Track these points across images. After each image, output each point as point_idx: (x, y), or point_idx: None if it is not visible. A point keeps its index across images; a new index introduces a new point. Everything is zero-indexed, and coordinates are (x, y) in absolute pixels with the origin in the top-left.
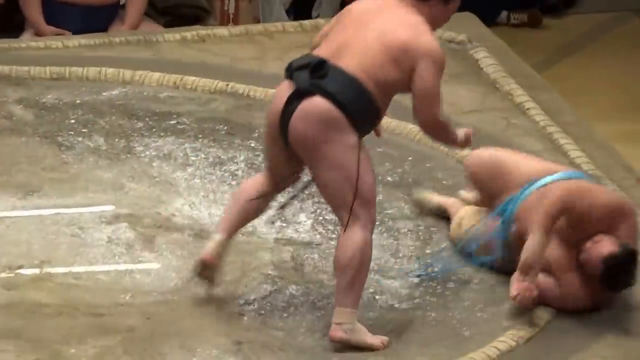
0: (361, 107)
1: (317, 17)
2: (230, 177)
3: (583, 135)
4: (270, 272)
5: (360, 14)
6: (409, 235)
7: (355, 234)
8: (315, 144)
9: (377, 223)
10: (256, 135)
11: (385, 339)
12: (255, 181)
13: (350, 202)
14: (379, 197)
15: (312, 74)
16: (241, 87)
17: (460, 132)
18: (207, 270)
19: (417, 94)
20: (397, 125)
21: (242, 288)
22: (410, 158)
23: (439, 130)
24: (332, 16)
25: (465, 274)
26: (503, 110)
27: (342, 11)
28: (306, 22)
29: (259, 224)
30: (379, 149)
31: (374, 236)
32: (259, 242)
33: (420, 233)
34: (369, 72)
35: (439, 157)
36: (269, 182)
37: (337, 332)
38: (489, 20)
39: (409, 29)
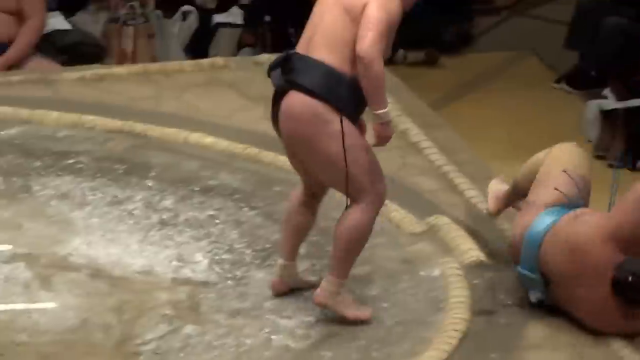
0: (335, 89)
1: (215, 55)
2: (128, 216)
3: (479, 174)
4: (167, 311)
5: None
6: (305, 274)
7: (353, 215)
8: (303, 138)
9: (273, 263)
10: (153, 174)
11: (367, 314)
12: (295, 196)
13: (357, 187)
14: (276, 236)
15: (282, 70)
16: (138, 126)
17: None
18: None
19: (363, 22)
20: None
21: (138, 328)
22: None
23: (375, 64)
24: (229, 54)
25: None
26: (398, 149)
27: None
28: (203, 61)
29: (155, 263)
30: (275, 188)
31: (270, 276)
32: (156, 282)
33: (315, 271)
34: (336, 48)
35: (334, 195)
36: (306, 191)
37: (321, 297)
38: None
39: None
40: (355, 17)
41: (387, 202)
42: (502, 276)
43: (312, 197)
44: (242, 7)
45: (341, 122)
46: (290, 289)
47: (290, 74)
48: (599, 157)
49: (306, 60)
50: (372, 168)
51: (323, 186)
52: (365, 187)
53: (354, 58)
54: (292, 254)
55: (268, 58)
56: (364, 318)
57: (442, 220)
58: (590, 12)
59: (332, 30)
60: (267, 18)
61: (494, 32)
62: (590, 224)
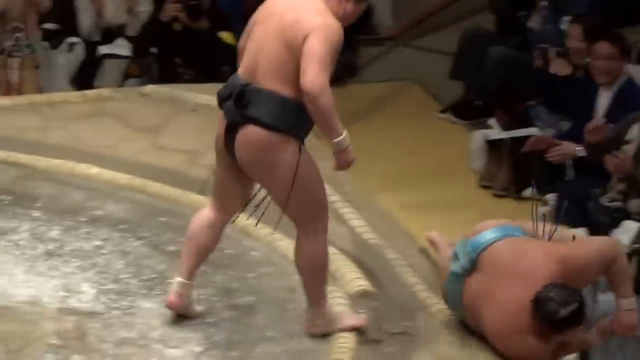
0: (289, 117)
1: (101, 86)
2: (14, 247)
3: (365, 204)
4: (53, 341)
5: (264, 18)
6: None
7: (306, 245)
8: (260, 167)
9: (159, 292)
10: (39, 205)
11: (361, 320)
12: (203, 217)
13: (304, 215)
14: (162, 266)
15: (237, 104)
16: (24, 157)
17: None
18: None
19: (303, 57)
20: (181, 194)
21: (24, 357)
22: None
23: (322, 97)
24: (116, 86)
25: (249, 344)
26: None
27: (257, 12)
28: (89, 92)
29: (42, 293)
30: (161, 219)
31: (157, 306)
32: (42, 312)
33: (202, 302)
34: (286, 79)
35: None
36: (218, 210)
37: (311, 329)
38: None
39: (305, 14)
40: (297, 50)
41: (272, 232)
42: (388, 305)
43: (220, 221)
44: (128, 38)
45: (299, 151)
46: (182, 313)
47: (245, 108)
48: (484, 187)
49: (261, 93)
50: (321, 196)
51: (242, 203)
52: (316, 214)
53: (295, 81)
54: (190, 274)
55: (154, 89)
56: (359, 325)
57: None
58: (474, 42)
59: (277, 62)
60: (154, 49)
61: (378, 63)
62: (540, 244)
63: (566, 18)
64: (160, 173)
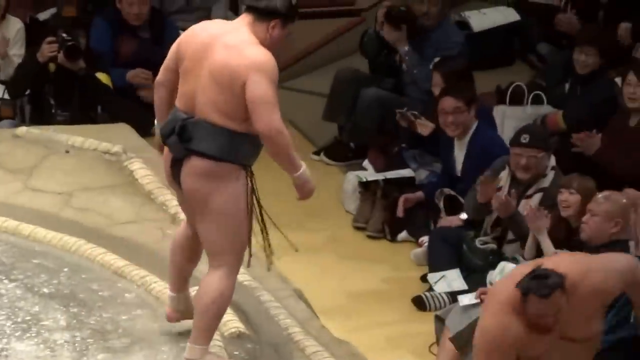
0: (234, 148)
1: None
2: None
3: None
4: None
5: (194, 54)
6: (66, 346)
7: (215, 283)
8: (204, 197)
9: (33, 335)
10: None
11: None
12: (181, 230)
13: (225, 249)
14: (36, 309)
15: (180, 139)
16: None
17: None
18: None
19: (251, 105)
20: (54, 236)
21: None
22: (66, 269)
23: (280, 137)
24: None
25: None
26: (158, 221)
27: (180, 43)
28: None
29: None
30: (34, 261)
31: (31, 348)
32: None
33: (76, 344)
34: (227, 113)
35: (95, 268)
36: (192, 233)
37: None
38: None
39: (234, 53)
40: (237, 94)
41: (147, 274)
42: (263, 347)
43: (196, 240)
44: (1, 82)
45: (248, 180)
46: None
47: (189, 142)
48: (359, 229)
49: (203, 126)
50: (245, 232)
51: None
52: (235, 247)
53: (235, 113)
54: (176, 287)
55: (27, 131)
56: None
57: None
58: (347, 84)
59: (216, 100)
60: (27, 91)
61: None
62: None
63: (436, 60)
64: (34, 215)
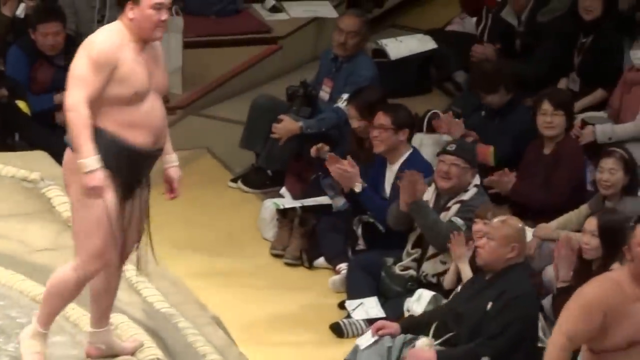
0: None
1: None
2: None
3: (157, 272)
4: None
5: None
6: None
7: (65, 268)
8: (65, 186)
9: None
10: None
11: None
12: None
13: (78, 244)
14: None
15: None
16: None
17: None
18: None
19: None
20: None
21: None
22: None
23: (72, 114)
24: None
25: None
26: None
27: None
28: None
29: None
30: None
31: None
32: None
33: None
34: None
35: (13, 295)
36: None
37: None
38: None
39: None
40: None
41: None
42: None
43: (110, 270)
44: None
45: (121, 188)
46: (109, 356)
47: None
48: (276, 256)
49: None
50: (95, 229)
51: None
52: (84, 249)
53: (99, 111)
54: (95, 322)
55: None
56: None
57: (119, 319)
58: (265, 111)
59: None
60: None
61: (169, 131)
62: None
63: (345, 96)
64: None
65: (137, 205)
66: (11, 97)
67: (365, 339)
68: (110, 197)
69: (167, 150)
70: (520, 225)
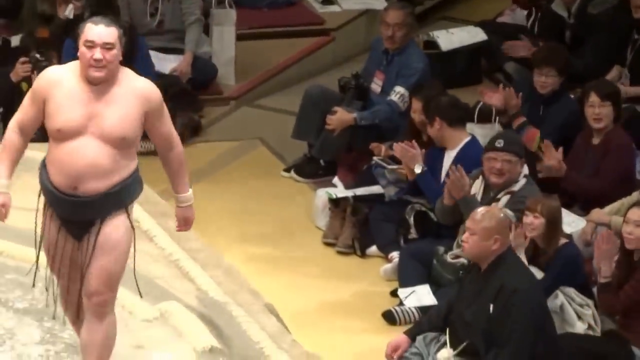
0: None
1: None
2: None
3: (210, 261)
4: None
5: None
6: None
7: None
8: None
9: (9, 349)
10: None
11: None
12: None
13: None
14: (11, 323)
15: None
16: None
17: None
18: None
19: None
20: (28, 252)
21: None
22: (40, 284)
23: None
24: None
25: None
26: None
27: None
28: None
29: None
30: (8, 276)
31: None
32: None
33: (50, 358)
34: None
35: None
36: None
37: None
38: None
39: None
40: None
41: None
42: None
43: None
44: None
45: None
46: None
47: None
48: (329, 244)
49: None
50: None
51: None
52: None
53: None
54: None
55: None
56: None
57: (173, 307)
58: (317, 102)
59: None
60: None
61: (223, 122)
62: None
63: (398, 89)
64: (8, 231)
65: (85, 249)
66: None
67: None
68: (50, 230)
69: (180, 190)
70: (501, 215)
